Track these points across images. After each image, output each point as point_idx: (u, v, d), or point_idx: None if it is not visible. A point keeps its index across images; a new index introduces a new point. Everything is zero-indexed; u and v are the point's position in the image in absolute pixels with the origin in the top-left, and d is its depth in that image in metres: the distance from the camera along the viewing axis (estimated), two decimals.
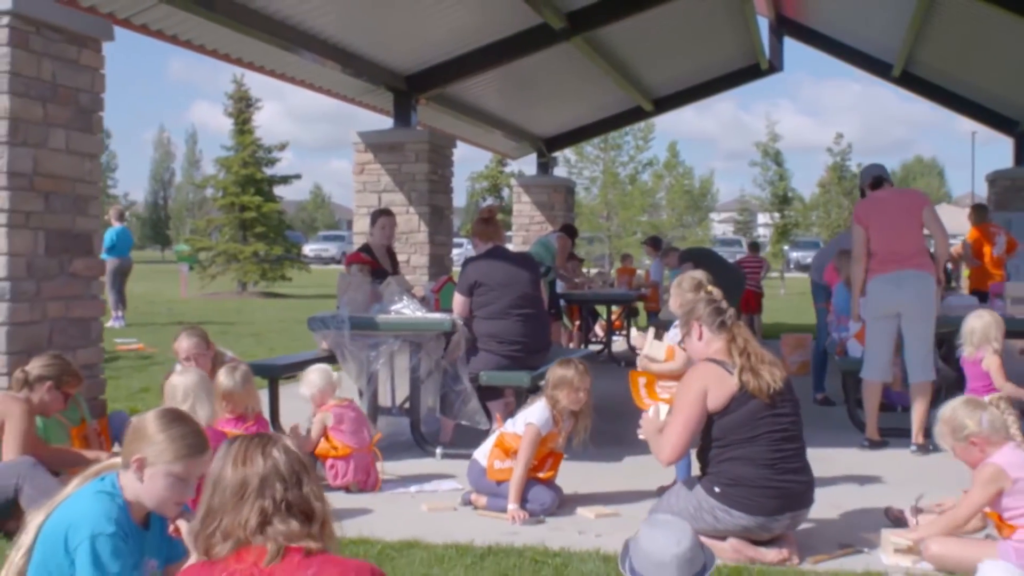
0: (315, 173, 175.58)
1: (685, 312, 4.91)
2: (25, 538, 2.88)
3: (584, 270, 14.47)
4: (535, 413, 5.21)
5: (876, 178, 7.34)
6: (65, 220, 5.95)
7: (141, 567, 2.89)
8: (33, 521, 2.90)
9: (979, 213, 11.68)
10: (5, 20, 5.50)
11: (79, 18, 6.14)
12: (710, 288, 5.13)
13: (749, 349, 4.61)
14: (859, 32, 14.46)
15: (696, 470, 4.87)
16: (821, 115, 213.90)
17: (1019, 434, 4.45)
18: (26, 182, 5.65)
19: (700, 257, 12.43)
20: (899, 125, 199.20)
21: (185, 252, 36.99)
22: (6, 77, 5.52)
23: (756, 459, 4.38)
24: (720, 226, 66.01)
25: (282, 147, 32.50)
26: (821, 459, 6.63)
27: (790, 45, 15.52)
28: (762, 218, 64.47)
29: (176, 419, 3.00)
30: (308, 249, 47.77)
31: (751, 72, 16.00)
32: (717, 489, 4.42)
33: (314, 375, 5.89)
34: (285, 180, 32.87)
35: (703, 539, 4.10)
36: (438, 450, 6.63)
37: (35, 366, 5.10)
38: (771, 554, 4.39)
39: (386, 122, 11.86)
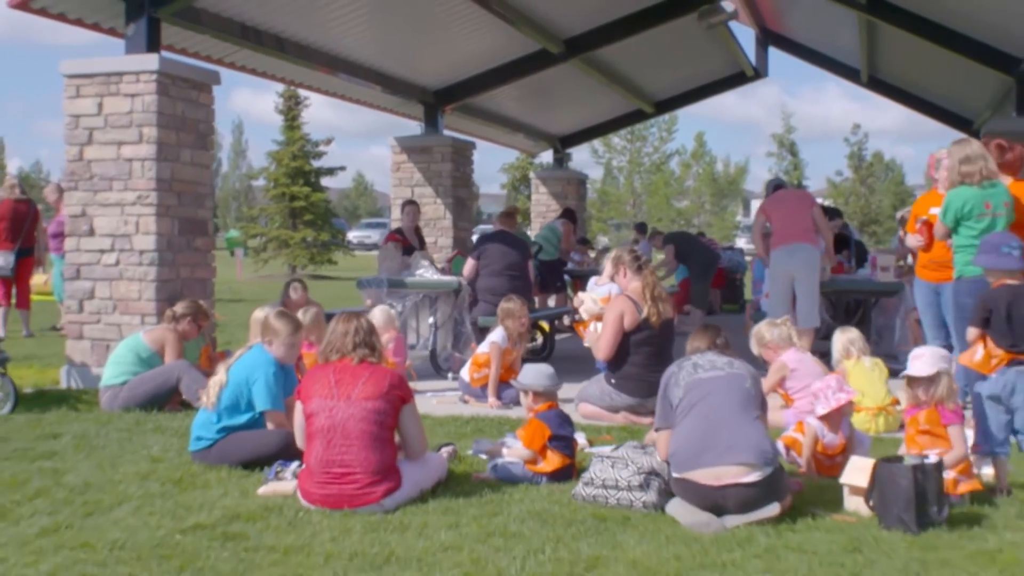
0: (357, 160, 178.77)
1: (615, 260, 7.42)
2: (221, 374, 5.56)
3: (589, 253, 16.86)
4: (495, 335, 7.84)
5: (776, 186, 9.92)
6: (190, 211, 8.59)
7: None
8: (223, 366, 5.59)
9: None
10: (154, 76, 8.14)
11: (197, 70, 8.77)
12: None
13: (655, 292, 7.12)
14: (829, 43, 16.62)
15: None
16: (869, 99, 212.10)
17: (799, 342, 6.87)
18: (167, 185, 8.29)
19: (680, 240, 14.92)
20: None
21: (237, 239, 39.79)
22: (154, 115, 8.16)
23: (637, 363, 6.93)
24: None
25: (328, 142, 35.21)
26: None
27: None
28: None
29: (284, 315, 5.78)
30: (351, 235, 50.05)
31: (739, 78, 18.22)
32: (613, 381, 7.01)
33: (379, 311, 8.25)
34: (331, 172, 35.60)
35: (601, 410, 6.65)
36: (449, 375, 9.20)
37: (179, 307, 7.75)
38: (647, 420, 6.92)
39: (418, 127, 14.37)
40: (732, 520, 4.36)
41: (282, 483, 5.05)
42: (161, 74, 8.19)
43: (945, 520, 4.35)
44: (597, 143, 44.06)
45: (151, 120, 8.18)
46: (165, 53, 8.61)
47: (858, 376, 6.68)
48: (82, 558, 3.99)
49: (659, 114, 19.65)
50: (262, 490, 5.01)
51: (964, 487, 4.76)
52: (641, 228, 17.62)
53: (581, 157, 72.04)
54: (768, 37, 17.50)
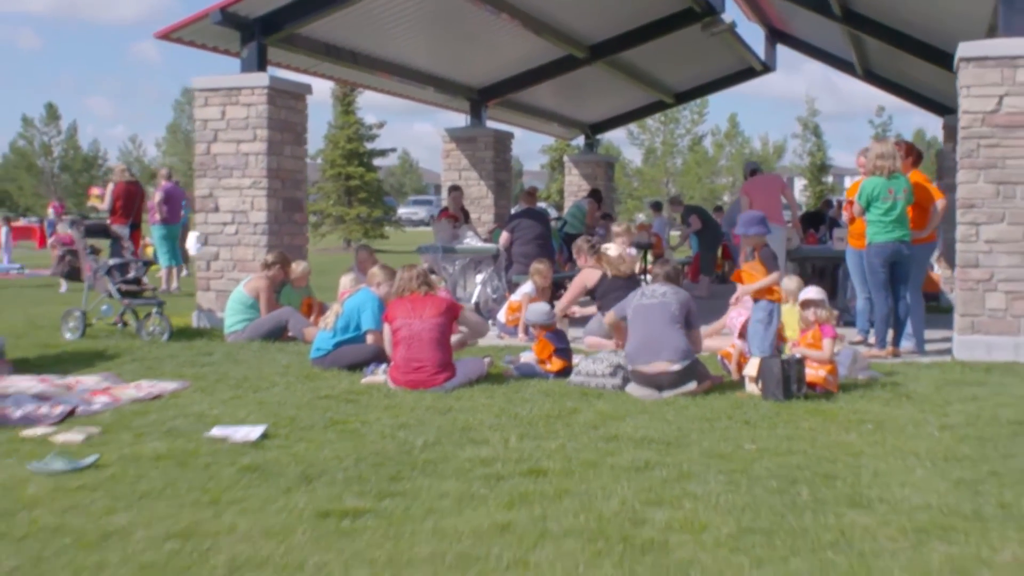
0: (402, 136, 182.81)
1: (577, 248, 9.91)
2: (337, 307, 8.09)
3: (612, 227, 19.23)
4: (526, 287, 10.32)
5: (753, 170, 12.21)
6: (290, 193, 11.16)
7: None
8: (336, 304, 8.13)
9: None
10: (265, 90, 10.68)
11: (295, 84, 11.31)
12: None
13: (606, 259, 9.58)
14: (826, 41, 18.71)
15: None
16: None
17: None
18: (274, 174, 10.86)
19: (698, 211, 17.29)
20: None
21: None
22: (265, 120, 10.70)
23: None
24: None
25: (380, 125, 37.84)
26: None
27: None
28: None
29: (385, 267, 8.27)
30: (401, 212, 52.54)
31: (750, 72, 20.42)
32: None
33: None
34: (383, 153, 38.24)
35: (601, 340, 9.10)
36: (490, 322, 11.69)
37: (270, 257, 10.28)
38: None
39: (463, 119, 16.79)
40: (666, 393, 6.84)
41: (376, 377, 7.60)
42: (270, 88, 10.74)
43: (803, 395, 6.78)
44: (632, 125, 46.30)
45: (262, 124, 10.72)
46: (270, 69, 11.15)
47: (790, 317, 9.07)
48: (262, 408, 6.55)
49: (679, 104, 21.84)
50: (363, 381, 7.56)
51: (830, 385, 7.14)
52: (656, 207, 19.99)
53: (618, 136, 74.03)
54: (775, 35, 19.66)
